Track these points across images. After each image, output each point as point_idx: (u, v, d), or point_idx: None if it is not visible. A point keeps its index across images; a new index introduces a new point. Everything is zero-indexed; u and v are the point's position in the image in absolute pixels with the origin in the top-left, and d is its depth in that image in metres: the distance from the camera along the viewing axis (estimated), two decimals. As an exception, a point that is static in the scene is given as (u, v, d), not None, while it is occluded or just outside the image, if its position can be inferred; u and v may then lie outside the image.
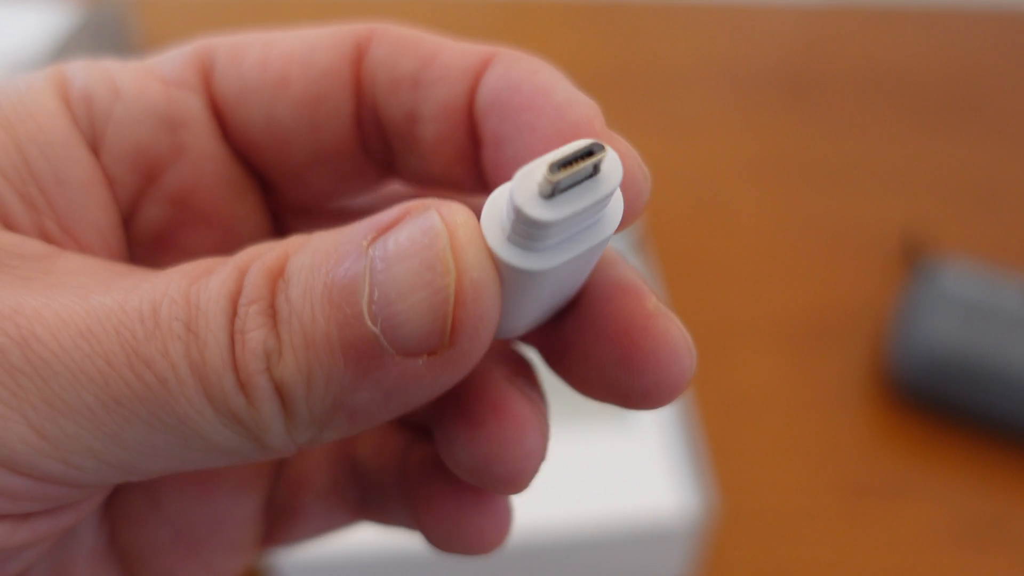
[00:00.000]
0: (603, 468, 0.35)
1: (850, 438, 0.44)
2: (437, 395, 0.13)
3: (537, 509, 0.34)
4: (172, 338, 0.13)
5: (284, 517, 0.18)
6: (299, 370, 0.13)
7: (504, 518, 0.16)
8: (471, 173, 0.16)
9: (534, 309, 0.14)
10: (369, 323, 0.12)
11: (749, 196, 0.57)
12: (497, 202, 0.13)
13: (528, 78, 0.15)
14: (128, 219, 0.17)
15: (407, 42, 0.16)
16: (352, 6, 0.68)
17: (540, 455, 0.14)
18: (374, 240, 0.13)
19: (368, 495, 0.18)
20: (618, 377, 0.14)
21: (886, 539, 0.40)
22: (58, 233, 0.15)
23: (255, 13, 0.72)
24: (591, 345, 0.15)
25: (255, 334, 0.13)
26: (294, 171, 0.17)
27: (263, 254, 0.13)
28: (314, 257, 0.13)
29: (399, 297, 0.12)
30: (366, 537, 0.32)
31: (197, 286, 0.13)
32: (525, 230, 0.12)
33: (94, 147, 0.16)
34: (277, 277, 0.13)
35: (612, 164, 0.12)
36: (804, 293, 0.51)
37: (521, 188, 0.12)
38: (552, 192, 0.12)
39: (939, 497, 0.42)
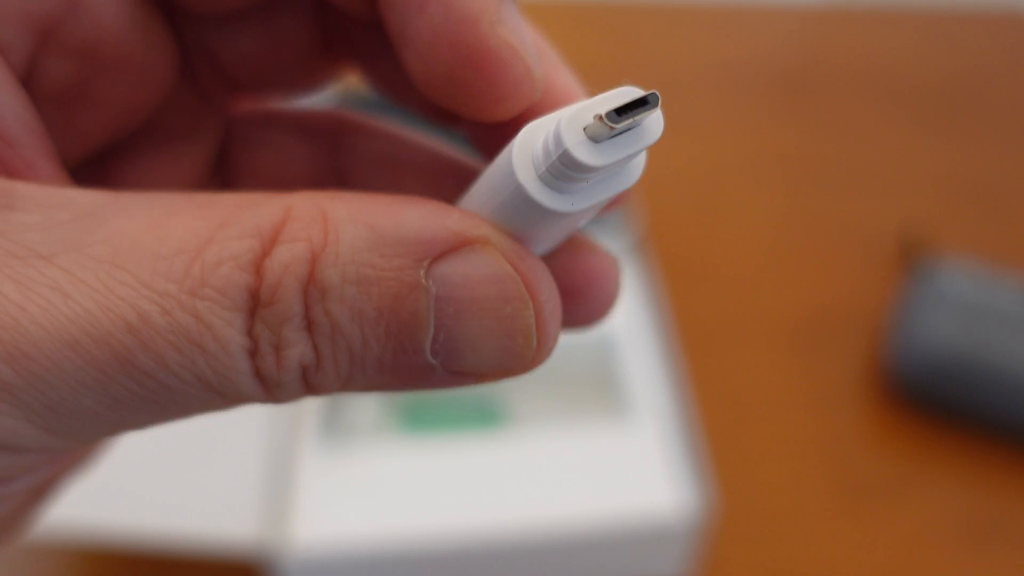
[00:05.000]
0: (602, 467, 0.35)
1: (849, 437, 0.44)
2: None
3: (537, 507, 0.34)
4: (169, 350, 0.12)
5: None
6: (339, 377, 0.13)
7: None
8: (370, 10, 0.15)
9: (545, 243, 0.14)
10: (429, 357, 0.12)
11: (749, 196, 0.57)
12: (532, 136, 0.12)
13: None
14: (28, 79, 0.15)
15: None
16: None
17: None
18: (431, 266, 0.12)
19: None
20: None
21: (885, 538, 0.40)
22: None
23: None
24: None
25: (292, 351, 0.12)
26: None
27: (277, 239, 0.12)
28: (359, 272, 0.12)
29: (467, 346, 0.12)
30: (369, 536, 0.33)
31: (190, 285, 0.12)
32: (564, 172, 0.12)
33: None
34: (308, 285, 0.12)
35: (656, 118, 0.12)
36: (803, 293, 0.51)
37: (571, 130, 0.12)
38: (602, 137, 0.12)
39: (938, 496, 0.42)
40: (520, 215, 0.13)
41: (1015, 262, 0.52)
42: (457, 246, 0.12)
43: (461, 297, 0.12)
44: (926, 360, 0.43)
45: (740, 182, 0.58)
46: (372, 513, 0.33)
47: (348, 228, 0.12)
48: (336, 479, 0.34)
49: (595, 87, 0.14)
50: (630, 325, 0.40)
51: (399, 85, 0.17)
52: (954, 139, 0.63)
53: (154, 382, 0.12)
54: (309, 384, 0.13)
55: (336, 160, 0.18)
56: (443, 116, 0.17)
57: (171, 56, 0.17)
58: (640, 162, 0.13)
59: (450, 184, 0.17)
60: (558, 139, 0.12)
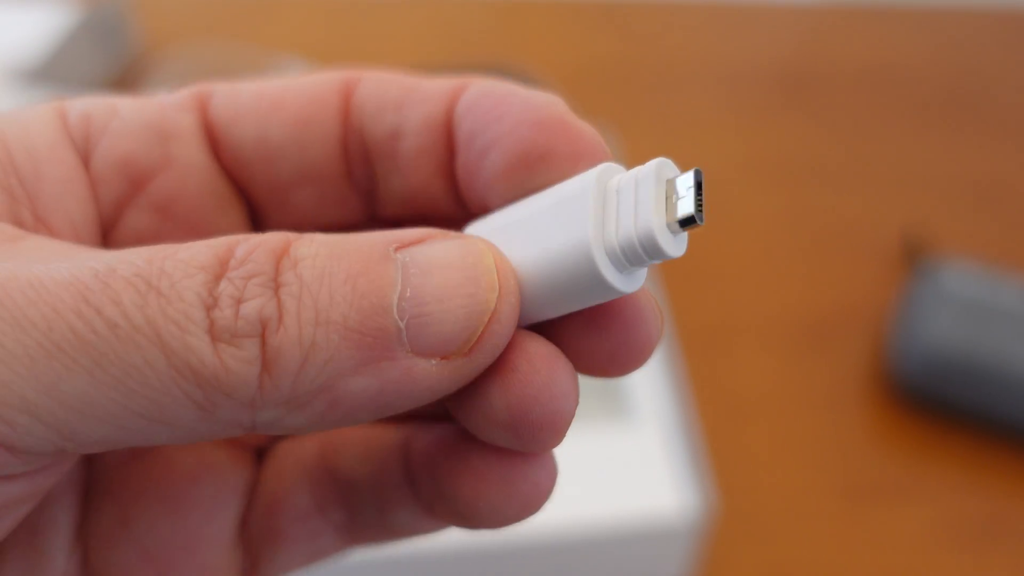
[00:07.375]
0: (603, 468, 0.35)
1: (850, 438, 0.44)
2: (422, 404, 0.14)
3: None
4: (127, 290, 0.12)
5: (264, 543, 0.17)
6: (300, 342, 0.13)
7: (550, 463, 0.16)
8: (448, 188, 0.17)
9: (560, 309, 0.15)
10: (396, 316, 0.13)
11: (749, 195, 0.57)
12: (602, 221, 0.14)
13: (500, 87, 0.16)
14: (112, 226, 0.17)
15: (392, 77, 0.17)
16: (354, 8, 0.68)
17: (575, 396, 0.14)
18: (397, 250, 0.13)
19: (359, 510, 0.17)
20: (585, 342, 0.15)
21: (886, 539, 0.40)
22: (31, 221, 0.16)
23: (255, 15, 0.72)
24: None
25: (254, 302, 0.13)
26: (280, 189, 0.18)
27: (250, 237, 0.14)
28: (332, 249, 0.13)
29: (434, 300, 0.13)
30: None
31: (163, 254, 0.13)
32: (642, 258, 0.14)
33: (86, 155, 0.17)
34: (282, 256, 0.13)
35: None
36: (804, 293, 0.50)
37: (661, 223, 0.14)
38: (680, 228, 0.14)
39: (939, 497, 0.41)
40: (570, 282, 0.14)
41: (1018, 261, 0.52)
42: (418, 240, 0.14)
43: (427, 260, 0.13)
44: (929, 360, 0.43)
45: (741, 180, 0.58)
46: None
47: (318, 234, 0.14)
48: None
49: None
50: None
51: None
52: (956, 138, 0.63)
53: (103, 322, 0.12)
54: (267, 347, 0.13)
55: None
56: None
57: (242, 231, 0.18)
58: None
59: None
60: (648, 230, 0.14)
